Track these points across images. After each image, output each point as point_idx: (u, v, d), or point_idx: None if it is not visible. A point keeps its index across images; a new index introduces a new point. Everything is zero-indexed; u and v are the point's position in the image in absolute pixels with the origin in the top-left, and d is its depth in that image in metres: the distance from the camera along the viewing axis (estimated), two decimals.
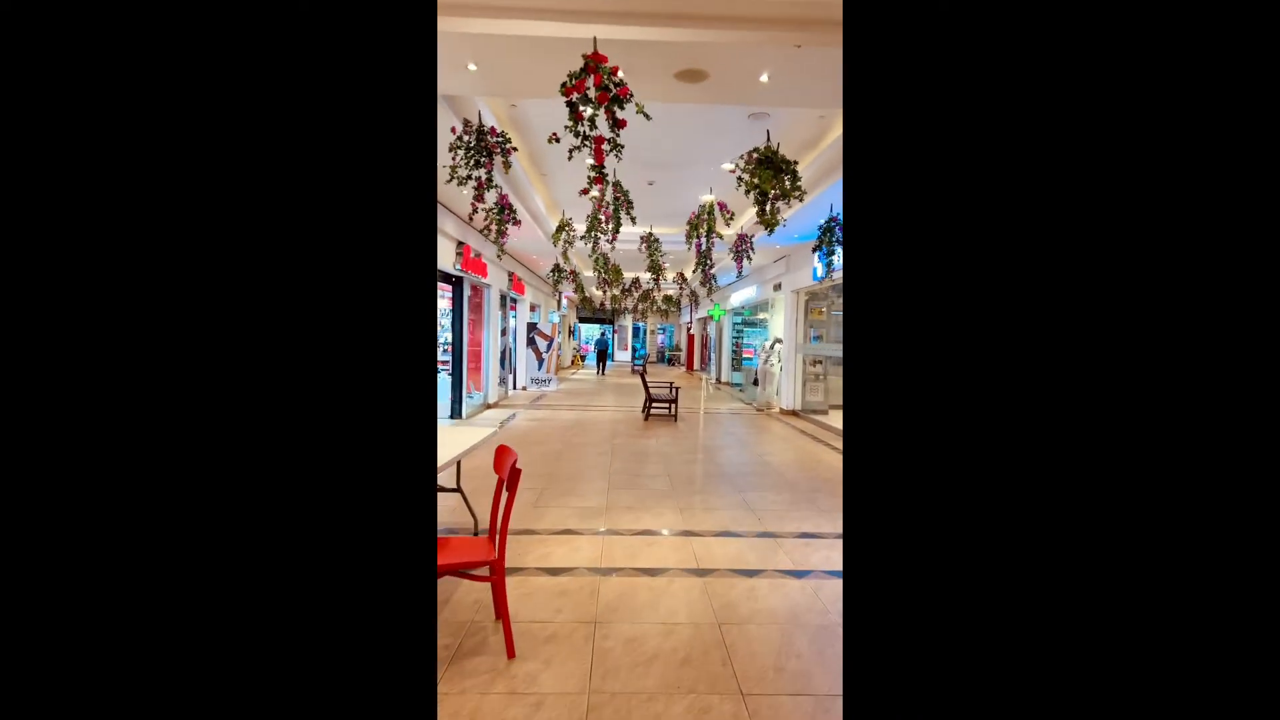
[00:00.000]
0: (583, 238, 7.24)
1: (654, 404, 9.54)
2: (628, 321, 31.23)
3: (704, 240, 7.73)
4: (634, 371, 22.00)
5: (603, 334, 27.00)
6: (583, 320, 30.45)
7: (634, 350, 31.65)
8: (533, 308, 16.78)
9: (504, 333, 12.82)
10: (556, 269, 11.60)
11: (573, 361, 25.67)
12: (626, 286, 15.18)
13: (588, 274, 16.14)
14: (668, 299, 19.09)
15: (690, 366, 24.18)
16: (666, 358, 30.39)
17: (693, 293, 16.12)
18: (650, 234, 9.08)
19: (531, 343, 14.24)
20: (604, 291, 15.37)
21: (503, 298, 12.63)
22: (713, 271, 10.22)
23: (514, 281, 12.46)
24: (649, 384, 9.84)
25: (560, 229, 8.23)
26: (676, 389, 9.73)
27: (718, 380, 17.94)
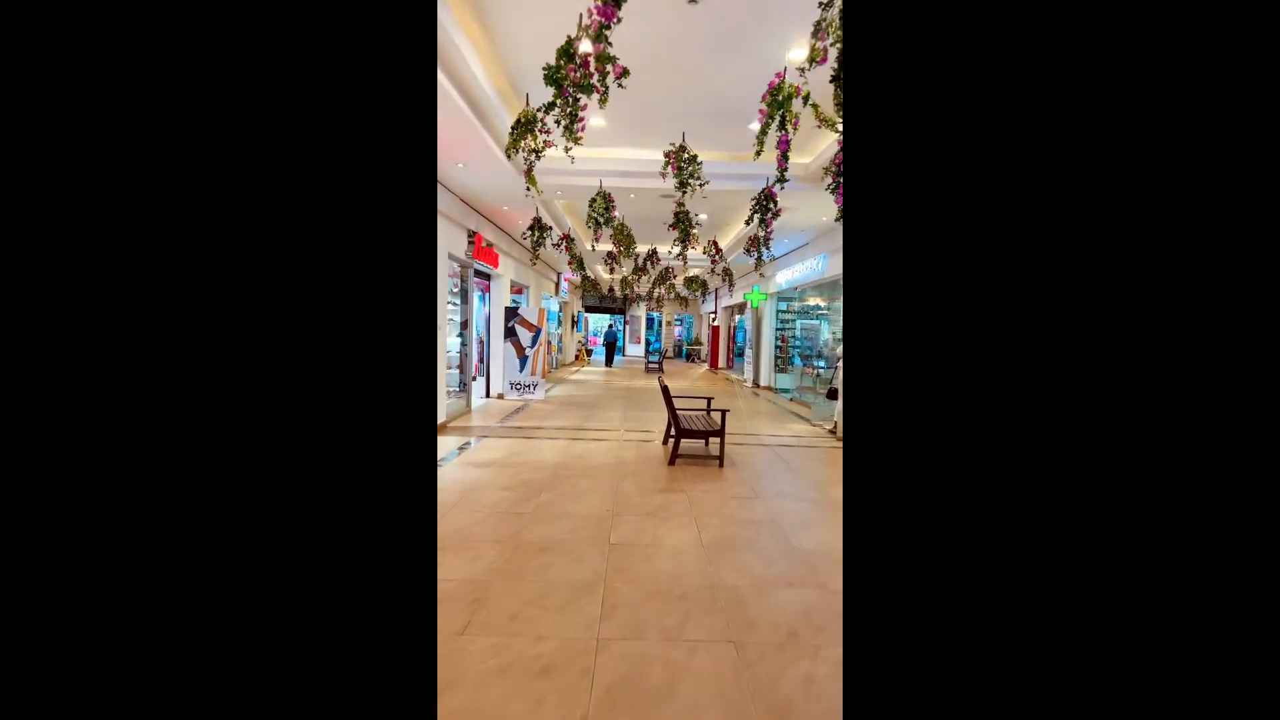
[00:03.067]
0: (550, 105, 3.46)
1: (683, 436, 5.72)
2: (640, 311, 27.38)
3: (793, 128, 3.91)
4: (648, 369, 18.21)
5: (611, 325, 23.54)
6: (589, 309, 26.68)
7: (647, 344, 27.88)
8: (518, 289, 13.02)
9: (465, 325, 9.07)
10: (535, 225, 7.81)
11: (577, 357, 21.93)
12: (640, 264, 11.31)
13: (589, 247, 12.37)
14: (691, 282, 15.22)
15: (714, 364, 20.34)
16: (684, 352, 26.53)
17: (726, 270, 12.29)
18: (682, 148, 5.26)
19: (511, 334, 10.50)
20: (611, 270, 11.58)
21: (463, 270, 8.86)
22: (774, 222, 6.34)
23: (477, 246, 8.69)
24: (676, 403, 5.91)
25: (522, 128, 4.44)
26: (723, 415, 5.88)
27: (755, 384, 14.09)
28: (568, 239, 9.53)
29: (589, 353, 23.37)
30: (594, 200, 6.40)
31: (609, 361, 20.71)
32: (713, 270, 11.43)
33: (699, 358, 24.92)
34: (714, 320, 20.99)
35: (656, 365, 18.39)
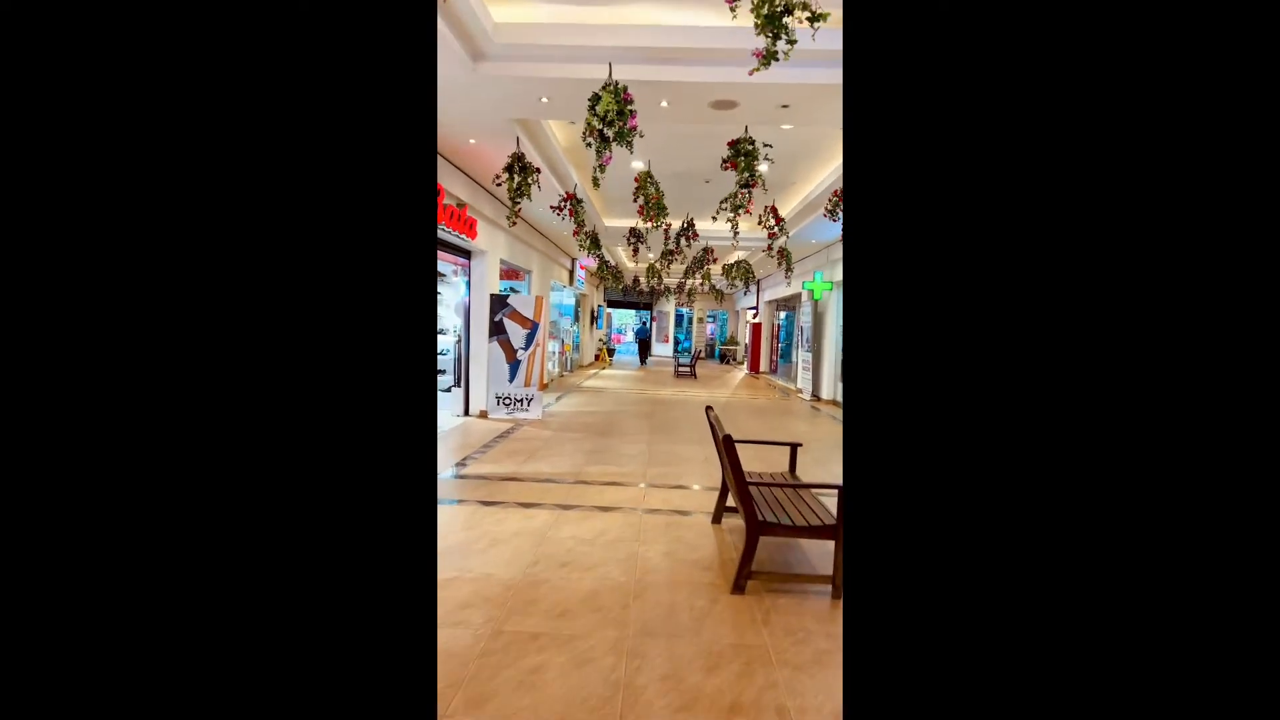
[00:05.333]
0: None
1: (764, 533, 2.90)
2: (669, 306, 24.57)
3: None
4: (678, 374, 15.41)
5: (644, 323, 21.06)
6: (612, 304, 23.97)
7: (676, 342, 25.02)
8: (514, 274, 10.35)
9: None
10: (514, 165, 5.11)
11: (597, 357, 19.25)
12: (673, 240, 8.49)
13: (594, 186, 9.72)
14: (731, 269, 12.38)
15: (755, 367, 17.45)
16: (718, 353, 23.64)
17: (782, 250, 9.45)
18: None
19: (498, 330, 7.82)
20: (635, 250, 8.85)
21: None
22: None
23: (437, 204, 5.99)
24: (738, 463, 3.02)
25: None
26: (840, 496, 3.01)
27: (815, 396, 11.20)
28: (572, 200, 6.81)
29: (610, 353, 20.64)
30: (598, 98, 3.65)
31: (642, 360, 19.72)
32: (769, 248, 8.58)
33: (734, 359, 22.01)
34: (754, 317, 18.08)
35: (688, 369, 15.57)
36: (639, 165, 7.33)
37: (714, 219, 6.96)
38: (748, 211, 6.98)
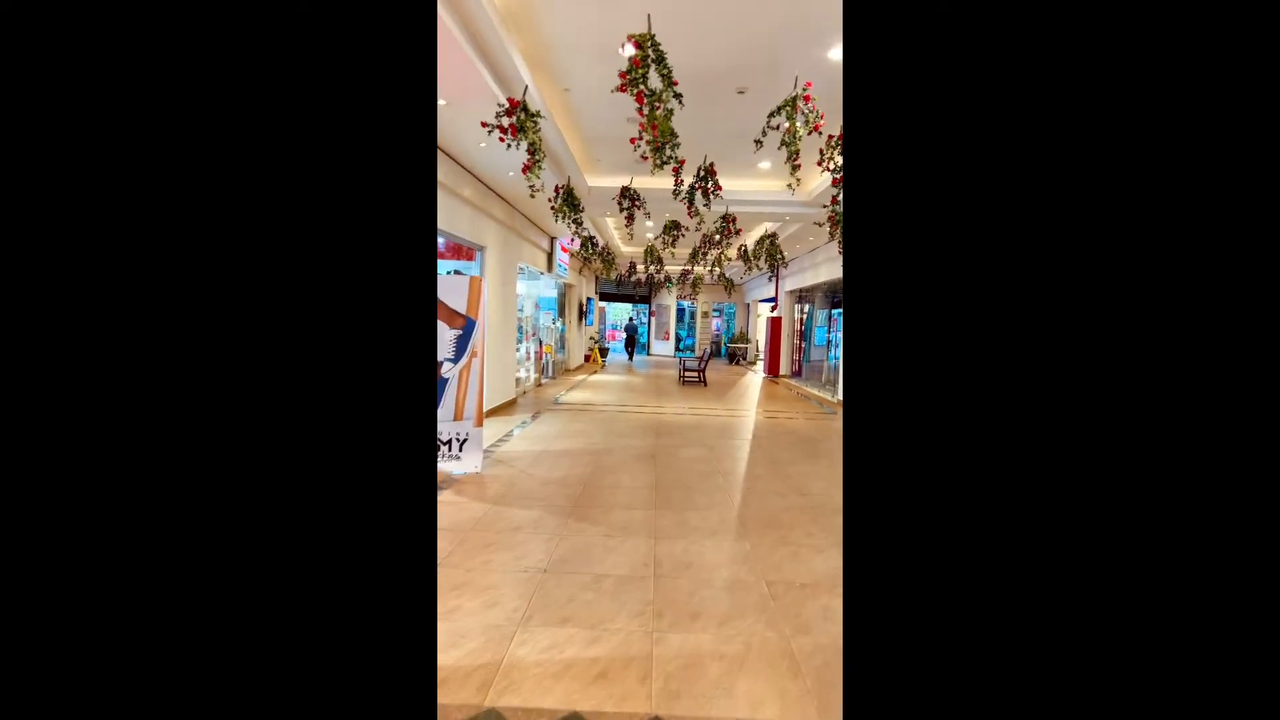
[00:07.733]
0: None
1: None
2: (670, 299, 21.70)
3: None
4: (684, 381, 12.57)
5: (631, 318, 18.47)
6: (606, 297, 21.10)
7: (678, 340, 22.18)
8: (460, 252, 7.53)
9: None
10: None
11: (587, 358, 16.43)
12: (685, 195, 5.47)
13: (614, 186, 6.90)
14: (758, 248, 9.51)
15: (773, 369, 14.61)
16: (724, 351, 20.80)
17: (833, 216, 6.60)
18: None
19: None
20: (629, 220, 5.97)
21: None
22: None
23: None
24: None
25: None
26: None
27: None
28: (519, 110, 4.00)
29: (604, 352, 17.81)
30: None
31: (630, 355, 18.86)
32: (835, 199, 5.72)
33: (743, 358, 19.16)
34: (773, 310, 15.23)
35: (695, 374, 12.72)
36: (630, 50, 4.36)
37: (758, 142, 4.10)
38: (818, 130, 4.10)
